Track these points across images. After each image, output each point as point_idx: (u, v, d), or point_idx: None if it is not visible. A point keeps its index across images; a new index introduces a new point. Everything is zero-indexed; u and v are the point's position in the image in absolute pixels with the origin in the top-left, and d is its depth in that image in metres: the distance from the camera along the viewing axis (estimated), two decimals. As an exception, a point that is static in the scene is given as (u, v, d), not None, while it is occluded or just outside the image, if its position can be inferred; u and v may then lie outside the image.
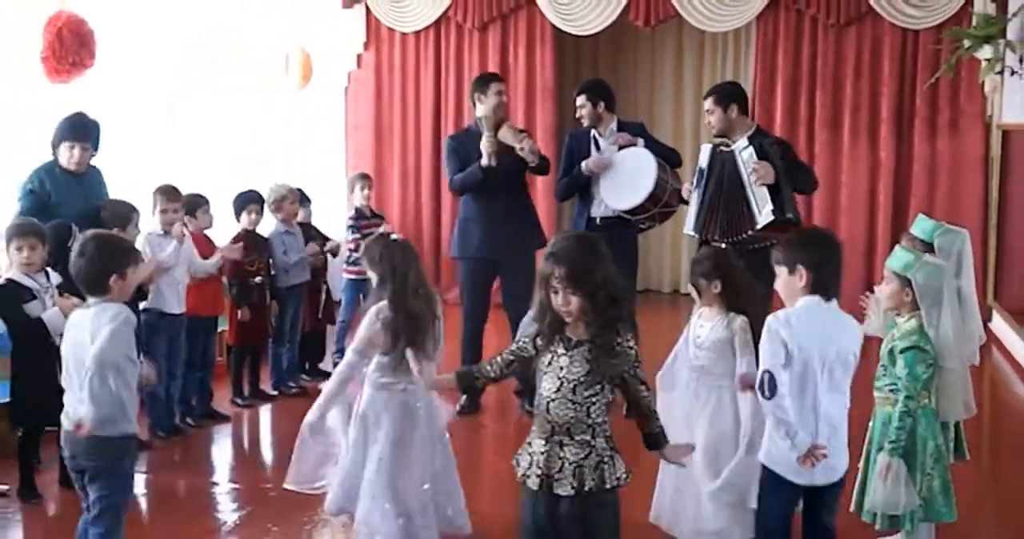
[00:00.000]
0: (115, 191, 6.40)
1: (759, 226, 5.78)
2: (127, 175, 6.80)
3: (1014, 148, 8.81)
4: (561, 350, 3.27)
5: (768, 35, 9.71)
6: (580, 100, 6.68)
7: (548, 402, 3.26)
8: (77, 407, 3.79)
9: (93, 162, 6.10)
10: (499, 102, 6.60)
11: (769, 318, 3.65)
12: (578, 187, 6.72)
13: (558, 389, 3.24)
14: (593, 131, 6.71)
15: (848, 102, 9.62)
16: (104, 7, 6.86)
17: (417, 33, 10.38)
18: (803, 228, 4.66)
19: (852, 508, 4.09)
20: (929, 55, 9.35)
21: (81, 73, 6.62)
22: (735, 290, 4.40)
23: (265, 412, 6.69)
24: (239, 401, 6.92)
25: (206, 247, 6.58)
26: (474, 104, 6.71)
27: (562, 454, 3.25)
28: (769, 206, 5.72)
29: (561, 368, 3.25)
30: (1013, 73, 8.67)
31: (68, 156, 5.89)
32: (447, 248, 10.21)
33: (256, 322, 6.86)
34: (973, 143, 9.41)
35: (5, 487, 5.30)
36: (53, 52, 6.43)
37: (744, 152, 5.85)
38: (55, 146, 5.92)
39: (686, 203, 6.27)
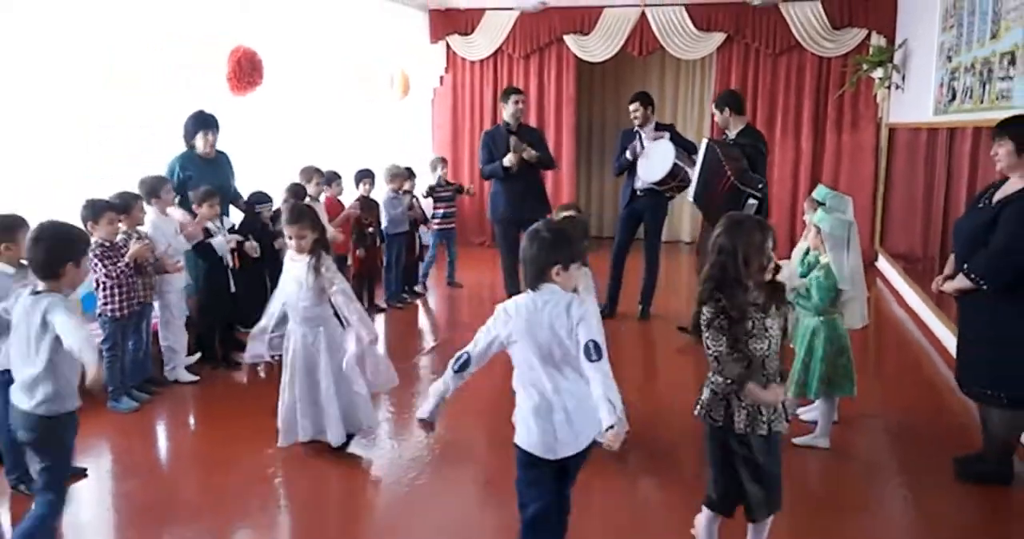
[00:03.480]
0: (271, 170, 6.46)
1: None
2: (282, 160, 6.85)
3: (897, 141, 8.69)
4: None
5: (725, 61, 9.56)
6: (634, 105, 6.54)
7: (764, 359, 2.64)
8: (33, 386, 2.84)
9: (222, 149, 5.78)
10: (515, 109, 6.50)
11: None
12: (626, 167, 6.63)
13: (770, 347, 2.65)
14: (637, 128, 6.58)
15: (780, 108, 9.49)
16: (271, 43, 6.87)
17: (481, 61, 10.33)
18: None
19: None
20: (838, 75, 9.25)
21: (254, 89, 6.66)
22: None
23: (379, 318, 6.80)
24: (361, 312, 7.03)
25: (339, 207, 6.65)
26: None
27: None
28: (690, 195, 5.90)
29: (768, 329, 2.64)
30: (897, 88, 8.59)
31: (204, 142, 5.53)
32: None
33: (370, 259, 6.91)
34: (868, 137, 9.28)
35: (196, 378, 5.24)
36: (234, 75, 6.47)
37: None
38: (191, 137, 5.57)
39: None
